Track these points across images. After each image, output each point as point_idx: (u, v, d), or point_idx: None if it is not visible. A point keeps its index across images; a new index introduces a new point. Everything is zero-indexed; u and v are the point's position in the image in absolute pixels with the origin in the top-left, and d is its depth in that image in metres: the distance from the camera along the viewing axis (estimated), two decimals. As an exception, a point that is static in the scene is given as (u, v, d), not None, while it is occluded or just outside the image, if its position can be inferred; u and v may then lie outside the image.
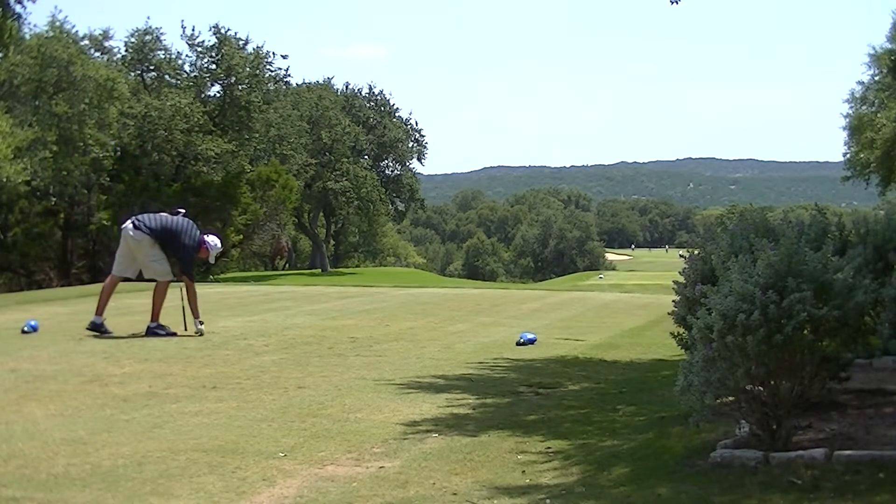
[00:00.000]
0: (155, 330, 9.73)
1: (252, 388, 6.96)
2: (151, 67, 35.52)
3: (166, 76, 35.64)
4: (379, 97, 60.21)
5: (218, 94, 36.38)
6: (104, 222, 30.76)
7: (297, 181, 42.57)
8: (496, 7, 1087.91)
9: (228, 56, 35.30)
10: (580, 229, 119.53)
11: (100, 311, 9.79)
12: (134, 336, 9.71)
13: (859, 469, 4.19)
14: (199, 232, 10.15)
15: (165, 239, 9.87)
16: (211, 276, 34.70)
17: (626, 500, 4.21)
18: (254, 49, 36.68)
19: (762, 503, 3.98)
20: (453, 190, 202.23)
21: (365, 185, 53.06)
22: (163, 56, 35.43)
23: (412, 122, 60.73)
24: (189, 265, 9.98)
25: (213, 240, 10.24)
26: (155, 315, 9.83)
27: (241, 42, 36.32)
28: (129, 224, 9.99)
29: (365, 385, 7.18)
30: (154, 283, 10.03)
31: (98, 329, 9.65)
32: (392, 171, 60.42)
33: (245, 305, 13.42)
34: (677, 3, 9.57)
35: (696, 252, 6.49)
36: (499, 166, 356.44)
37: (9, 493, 4.34)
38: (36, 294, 18.58)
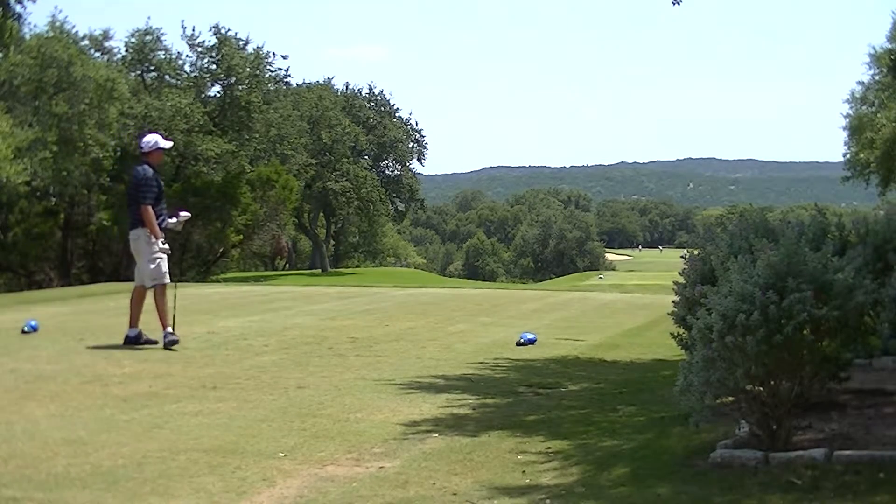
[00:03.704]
0: (168, 339, 8.99)
1: (252, 388, 6.96)
2: (151, 68, 35.51)
3: (166, 76, 35.63)
4: (379, 97, 60.23)
5: (218, 95, 36.39)
6: (104, 222, 30.76)
7: (297, 181, 42.60)
8: (496, 7, 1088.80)
9: (228, 56, 35.30)
10: (580, 229, 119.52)
11: (166, 325, 9.08)
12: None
13: (859, 469, 4.19)
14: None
15: (131, 206, 9.26)
16: (212, 277, 34.71)
17: (626, 500, 4.21)
18: (254, 49, 36.71)
19: (762, 503, 3.99)
20: (453, 190, 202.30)
21: (365, 185, 53.09)
22: (163, 56, 35.42)
23: (412, 122, 60.81)
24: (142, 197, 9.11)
25: (147, 139, 9.52)
26: (164, 321, 9.08)
27: (241, 42, 36.33)
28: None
29: (365, 385, 7.18)
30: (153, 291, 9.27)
31: (171, 343, 8.92)
32: (392, 172, 60.42)
33: (245, 305, 13.41)
34: (679, 3, 9.58)
35: (695, 252, 6.49)
36: (499, 166, 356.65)
37: (9, 493, 4.34)
38: (36, 294, 18.57)
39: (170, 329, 9.04)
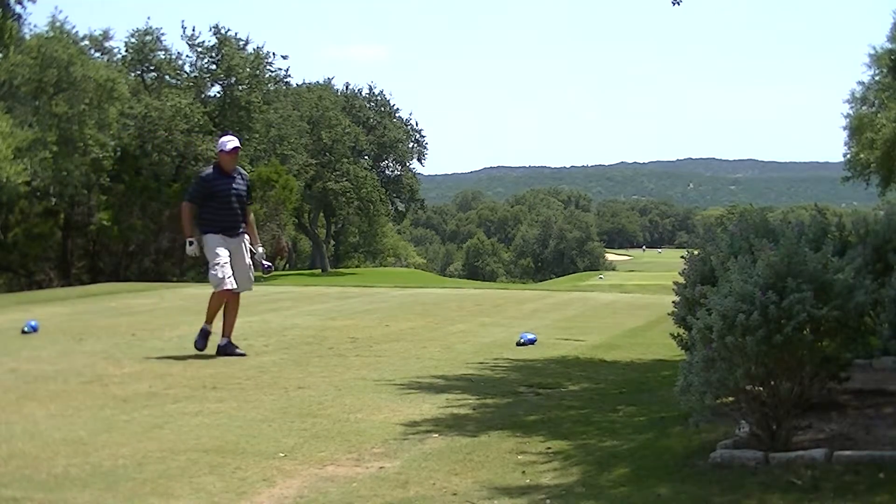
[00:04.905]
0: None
1: (252, 388, 6.96)
2: (151, 68, 35.55)
3: (166, 76, 35.68)
4: (379, 97, 60.29)
5: (218, 95, 36.44)
6: (104, 222, 30.77)
7: (297, 181, 42.62)
8: (496, 7, 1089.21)
9: (228, 56, 35.36)
10: (580, 230, 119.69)
11: (225, 331, 8.95)
12: (133, 336, 9.71)
13: (859, 469, 4.19)
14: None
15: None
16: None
17: (626, 500, 4.20)
18: (254, 49, 36.79)
19: (762, 503, 3.99)
20: (453, 190, 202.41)
21: (365, 185, 53.13)
22: (163, 56, 35.46)
23: (412, 122, 60.88)
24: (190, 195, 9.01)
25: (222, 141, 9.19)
26: (221, 327, 8.94)
27: (241, 42, 36.40)
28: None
29: (365, 385, 7.17)
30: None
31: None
32: (392, 172, 60.47)
33: (245, 305, 13.31)
34: (679, 3, 9.58)
35: (695, 252, 6.49)
36: (499, 166, 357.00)
37: (9, 493, 4.34)
38: (36, 294, 18.58)
39: (228, 338, 8.82)
